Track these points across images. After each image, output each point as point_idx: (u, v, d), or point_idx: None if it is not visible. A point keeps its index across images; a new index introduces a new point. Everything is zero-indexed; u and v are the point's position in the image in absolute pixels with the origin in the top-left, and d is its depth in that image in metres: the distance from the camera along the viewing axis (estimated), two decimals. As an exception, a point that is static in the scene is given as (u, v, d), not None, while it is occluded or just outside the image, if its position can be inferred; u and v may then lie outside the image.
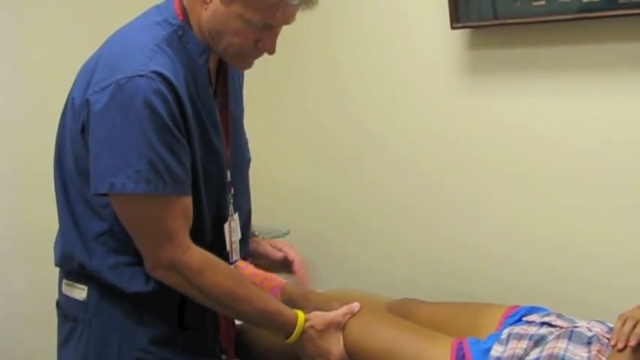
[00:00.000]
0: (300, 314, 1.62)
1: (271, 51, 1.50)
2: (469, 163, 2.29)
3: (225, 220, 1.62)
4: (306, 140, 2.73)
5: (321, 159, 2.70)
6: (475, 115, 2.25)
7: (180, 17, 1.49)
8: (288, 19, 1.46)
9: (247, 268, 1.77)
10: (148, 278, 1.50)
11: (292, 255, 1.80)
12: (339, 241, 2.68)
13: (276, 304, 1.61)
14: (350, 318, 1.66)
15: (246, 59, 1.53)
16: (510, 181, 2.21)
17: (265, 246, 1.83)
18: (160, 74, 1.38)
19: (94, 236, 1.51)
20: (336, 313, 1.65)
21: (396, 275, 2.49)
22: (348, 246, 2.66)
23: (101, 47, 1.52)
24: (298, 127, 2.74)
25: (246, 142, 1.79)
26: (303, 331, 1.61)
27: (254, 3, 1.41)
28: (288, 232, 2.40)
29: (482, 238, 2.29)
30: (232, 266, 1.64)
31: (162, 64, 1.41)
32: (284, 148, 2.75)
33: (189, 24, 1.49)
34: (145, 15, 1.53)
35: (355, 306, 1.67)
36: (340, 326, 1.65)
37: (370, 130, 2.52)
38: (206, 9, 1.46)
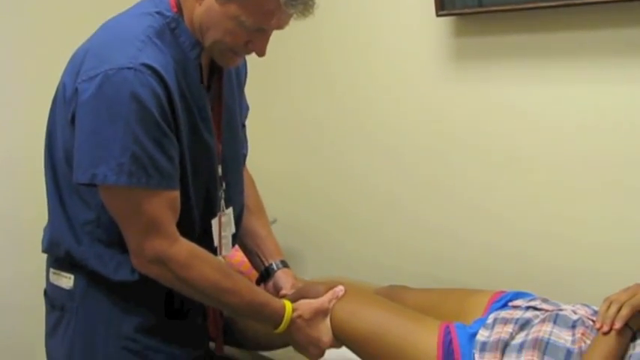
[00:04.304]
0: (288, 304, 1.61)
1: (261, 53, 1.48)
2: (455, 151, 2.26)
3: (215, 214, 1.60)
4: (292, 128, 2.69)
5: (307, 147, 2.66)
6: (461, 102, 2.22)
7: (175, 9, 1.47)
8: (282, 25, 1.45)
9: (235, 255, 1.75)
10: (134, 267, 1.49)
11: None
12: (326, 229, 2.65)
13: (264, 296, 1.60)
14: (336, 302, 1.65)
15: (234, 57, 1.51)
16: (497, 169, 2.18)
17: (286, 282, 1.77)
18: (149, 67, 1.36)
19: (82, 224, 1.49)
20: (322, 300, 1.64)
21: (383, 263, 2.46)
22: (334, 234, 2.63)
23: (93, 35, 1.49)
24: (284, 115, 2.70)
25: (245, 138, 1.77)
26: (292, 321, 1.60)
27: (251, 7, 1.40)
28: (274, 221, 2.34)
29: (469, 226, 2.27)
30: (221, 257, 1.64)
31: (153, 56, 1.38)
32: (270, 136, 2.71)
33: (183, 17, 1.47)
34: (139, 5, 1.51)
35: (339, 290, 1.67)
36: (327, 313, 1.64)
37: (356, 119, 2.49)
38: (200, 4, 1.44)
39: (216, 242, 1.61)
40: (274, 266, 1.78)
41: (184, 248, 1.45)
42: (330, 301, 1.64)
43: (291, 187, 2.72)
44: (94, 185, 1.40)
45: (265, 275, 1.79)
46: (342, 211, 2.59)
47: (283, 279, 1.77)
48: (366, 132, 2.48)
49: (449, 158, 2.28)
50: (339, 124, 2.54)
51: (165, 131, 1.39)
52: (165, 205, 1.42)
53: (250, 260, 1.83)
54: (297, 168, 2.70)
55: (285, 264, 1.79)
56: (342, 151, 2.56)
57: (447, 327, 1.56)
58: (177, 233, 1.44)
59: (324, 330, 1.63)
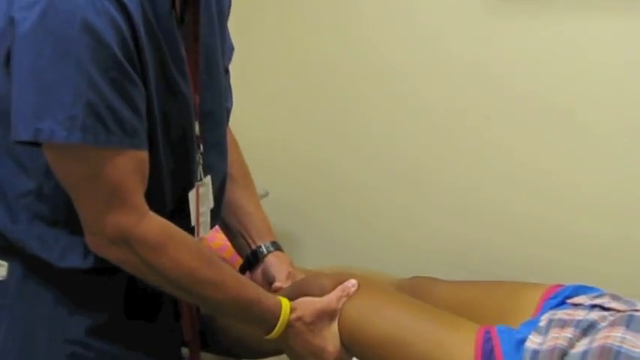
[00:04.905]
0: (285, 302, 1.46)
1: None
2: (495, 103, 2.08)
3: (191, 185, 1.47)
4: (288, 75, 2.48)
5: (308, 100, 2.47)
6: (505, 39, 2.05)
7: None
8: None
9: (215, 238, 1.66)
10: (87, 251, 1.34)
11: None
12: (330, 205, 2.50)
13: (254, 291, 1.45)
14: (346, 301, 1.50)
15: None
16: (548, 123, 2.00)
17: (280, 270, 1.63)
18: None
19: (18, 196, 1.34)
20: (329, 299, 1.49)
21: (402, 248, 2.32)
22: (341, 212, 2.48)
23: None
24: (277, 58, 2.50)
25: (229, 87, 1.65)
26: (289, 325, 1.45)
27: None
28: (265, 194, 2.21)
29: (513, 199, 2.08)
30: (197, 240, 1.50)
31: None
32: (259, 85, 2.49)
33: None
34: None
35: (351, 285, 1.50)
36: (335, 315, 1.49)
37: (373, 64, 2.29)
38: None
39: (193, 221, 1.47)
40: (263, 249, 1.64)
41: (155, 225, 1.32)
42: (338, 299, 1.49)
43: (287, 152, 2.53)
44: (37, 144, 1.25)
45: (252, 260, 1.64)
46: (351, 182, 2.41)
47: (276, 266, 1.62)
48: (384, 80, 2.28)
49: (489, 110, 2.10)
50: (350, 69, 2.33)
51: (129, 74, 1.24)
52: (130, 168, 1.28)
53: (232, 242, 1.69)
54: (295, 127, 2.50)
55: (277, 246, 1.66)
56: (353, 105, 2.36)
57: (488, 331, 1.39)
58: (147, 206, 1.31)
59: (329, 337, 1.48)
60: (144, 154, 1.29)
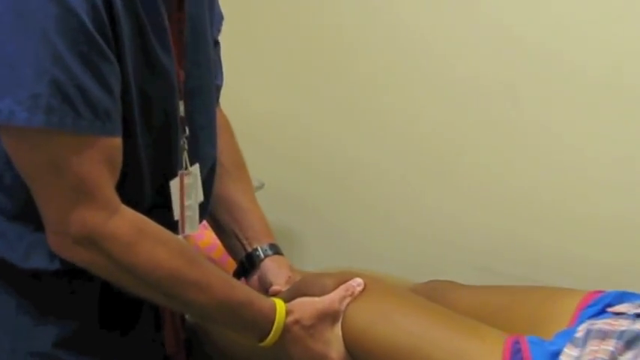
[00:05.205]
0: (279, 304, 1.38)
1: None
2: (532, 76, 1.91)
3: (174, 174, 1.41)
4: (285, 50, 2.32)
5: (308, 78, 2.30)
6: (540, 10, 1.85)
7: None
8: None
9: (203, 236, 1.65)
10: None
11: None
12: (335, 197, 2.36)
13: (244, 292, 1.37)
14: (350, 302, 1.42)
15: None
16: (603, 104, 1.83)
17: (279, 275, 1.56)
18: None
19: None
20: (331, 299, 1.41)
21: (418, 248, 2.19)
22: (346, 205, 2.34)
23: None
24: (273, 32, 2.33)
25: (218, 62, 1.58)
26: (285, 329, 1.36)
27: None
28: (262, 186, 2.09)
29: (552, 192, 1.93)
30: (182, 237, 1.44)
31: None
32: (254, 61, 2.35)
33: None
34: None
35: (356, 284, 1.42)
36: (338, 317, 1.40)
37: (384, 31, 2.12)
38: None
39: (177, 215, 1.40)
40: (260, 252, 1.56)
41: (128, 221, 1.25)
42: (341, 299, 1.41)
43: (285, 135, 2.38)
44: None
45: (248, 265, 1.56)
46: (361, 169, 2.26)
47: (274, 271, 1.54)
48: (402, 49, 2.10)
49: (517, 85, 1.94)
50: (365, 35, 2.16)
51: (102, 49, 1.17)
52: (100, 158, 1.22)
53: (225, 243, 1.61)
54: (295, 105, 2.33)
55: (276, 249, 1.58)
56: (366, 79, 2.19)
57: (517, 342, 1.30)
58: (118, 200, 1.25)
59: (332, 342, 1.40)
60: (117, 141, 1.23)
